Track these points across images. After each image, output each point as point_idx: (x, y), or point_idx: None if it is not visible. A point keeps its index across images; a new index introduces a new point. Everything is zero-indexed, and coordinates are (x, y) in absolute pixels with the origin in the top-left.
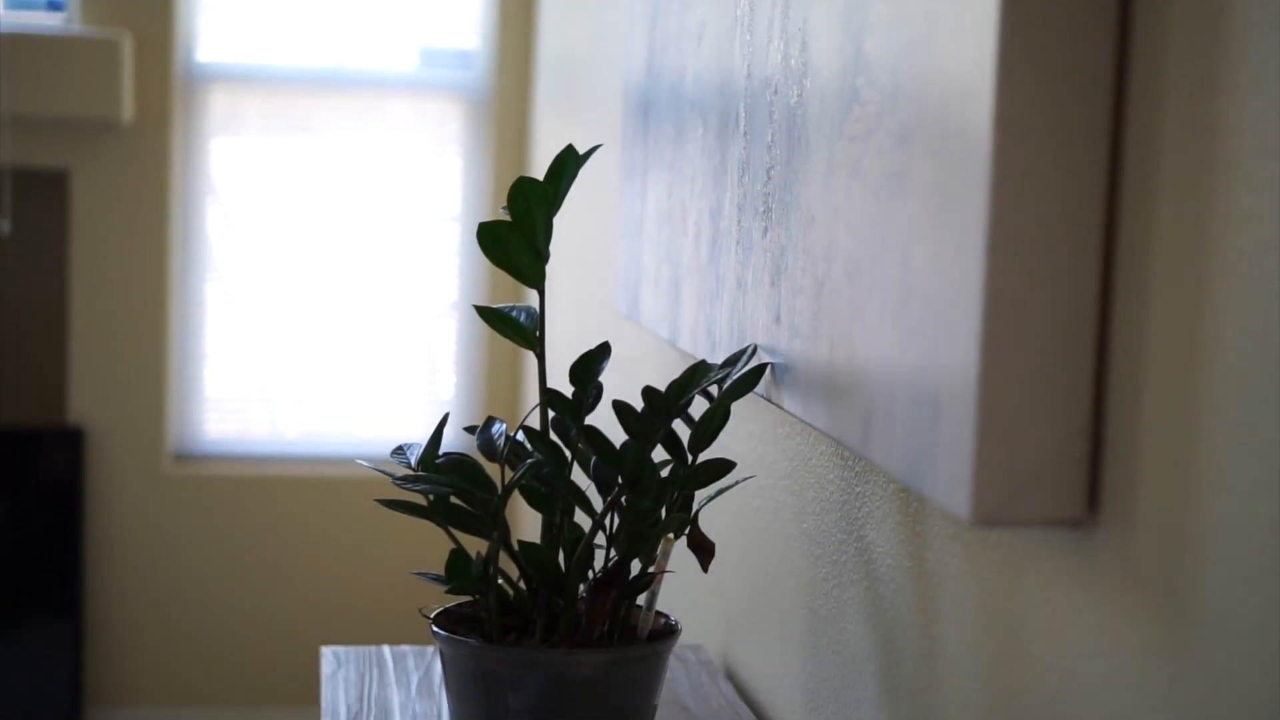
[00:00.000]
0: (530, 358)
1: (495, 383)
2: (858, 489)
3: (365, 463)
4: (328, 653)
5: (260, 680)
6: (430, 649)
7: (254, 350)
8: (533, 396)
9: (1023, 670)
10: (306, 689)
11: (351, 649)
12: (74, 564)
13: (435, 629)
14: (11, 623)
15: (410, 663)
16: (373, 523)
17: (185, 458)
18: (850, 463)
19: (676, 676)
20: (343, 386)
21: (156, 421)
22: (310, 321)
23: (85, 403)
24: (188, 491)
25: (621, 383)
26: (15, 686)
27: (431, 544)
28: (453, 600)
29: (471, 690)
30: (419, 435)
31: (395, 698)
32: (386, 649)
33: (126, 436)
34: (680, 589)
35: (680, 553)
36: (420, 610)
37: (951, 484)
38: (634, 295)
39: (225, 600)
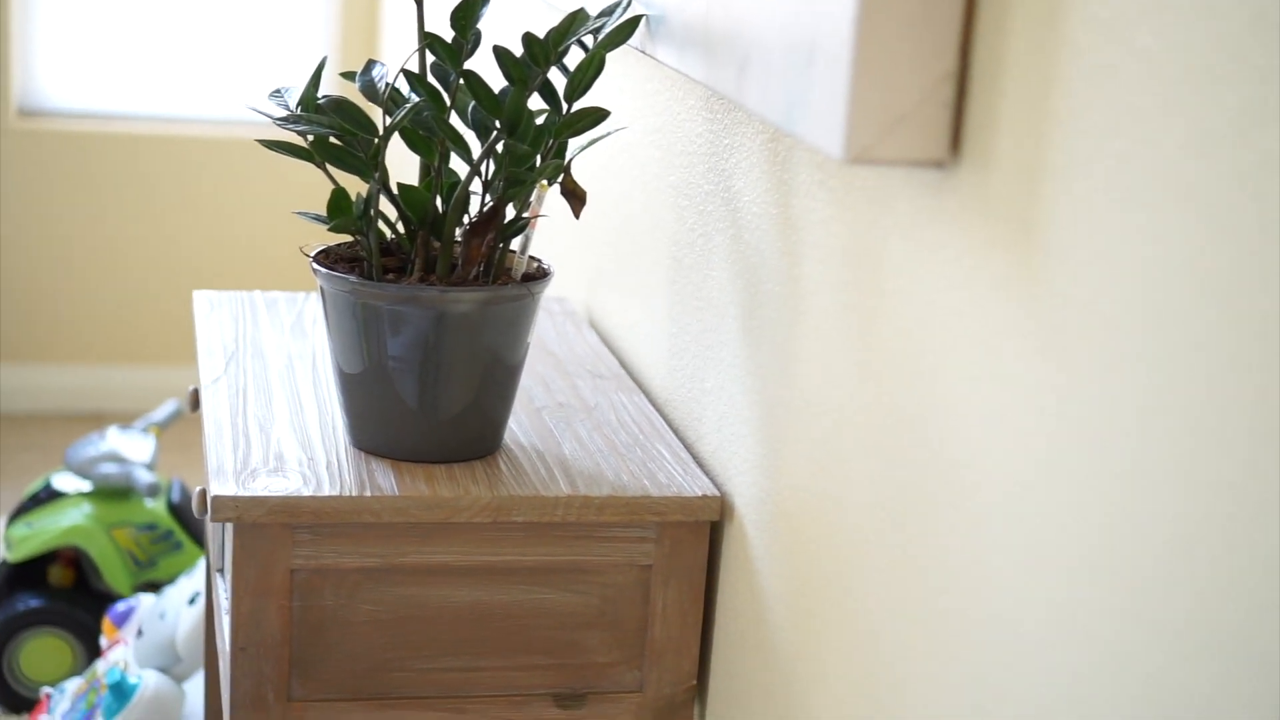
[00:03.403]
0: (389, 12)
1: (350, 36)
2: (725, 141)
3: (251, 108)
4: (200, 296)
5: (127, 337)
6: (302, 294)
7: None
8: (390, 52)
9: (881, 303)
10: (173, 347)
11: (224, 293)
12: None
13: (316, 266)
14: None
15: (282, 306)
16: (235, 177)
17: (32, 113)
18: (719, 116)
19: (542, 325)
20: (198, 40)
21: None
22: None
23: None
24: (36, 148)
25: (498, 39)
26: None
27: (297, 198)
28: (332, 240)
29: (351, 327)
30: (277, 84)
31: (269, 338)
32: (258, 293)
33: None
34: (546, 245)
35: (547, 206)
36: (301, 248)
37: (825, 124)
38: None
39: (86, 258)
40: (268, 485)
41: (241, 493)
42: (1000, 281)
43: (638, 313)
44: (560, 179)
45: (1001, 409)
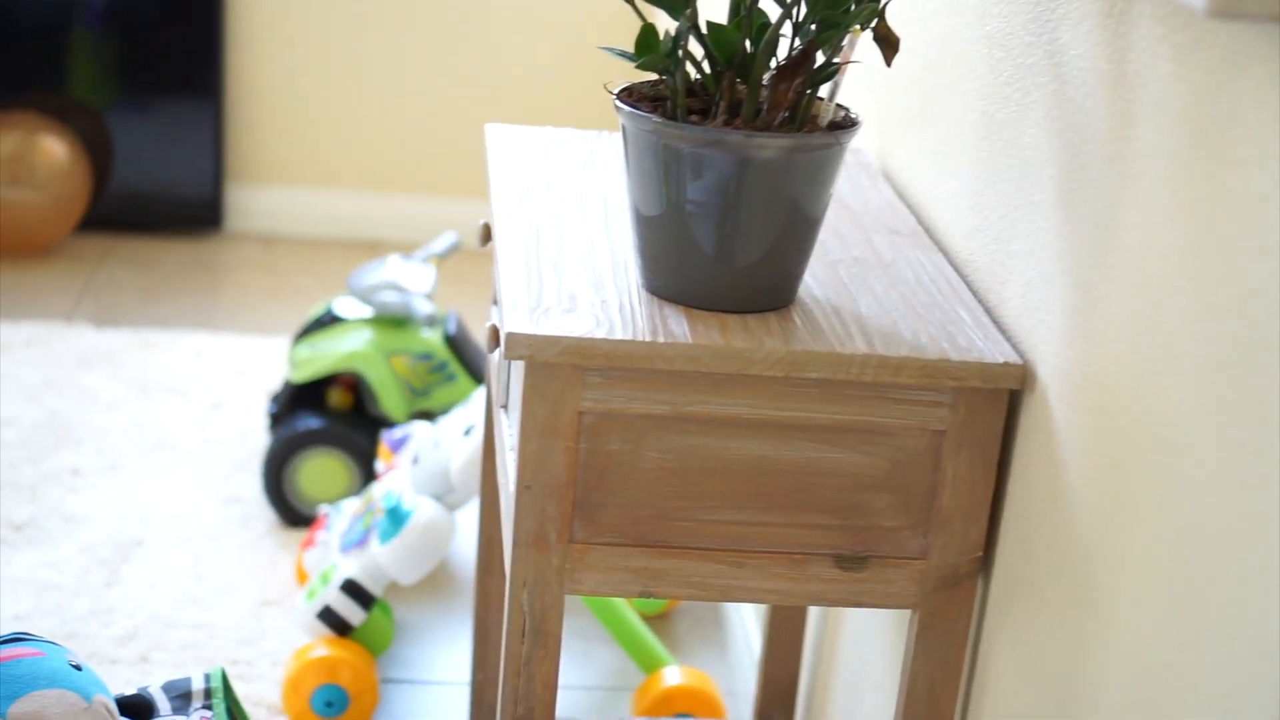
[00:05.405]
0: None
1: None
2: None
3: None
4: (493, 129)
5: (410, 166)
6: (593, 133)
7: None
8: None
9: (1228, 173)
10: (453, 179)
11: (517, 127)
12: (215, 41)
13: (619, 103)
14: (154, 100)
15: (575, 144)
16: (535, 10)
17: None
18: None
19: None
20: None
21: None
22: None
23: None
24: None
25: None
26: (158, 163)
27: (596, 34)
28: (636, 79)
29: (652, 168)
30: None
31: (562, 175)
32: (550, 129)
33: None
34: (840, 92)
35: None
36: (605, 85)
37: None
38: None
39: (377, 86)
40: (561, 325)
41: (535, 331)
42: None
43: (938, 168)
44: (874, 24)
45: None
